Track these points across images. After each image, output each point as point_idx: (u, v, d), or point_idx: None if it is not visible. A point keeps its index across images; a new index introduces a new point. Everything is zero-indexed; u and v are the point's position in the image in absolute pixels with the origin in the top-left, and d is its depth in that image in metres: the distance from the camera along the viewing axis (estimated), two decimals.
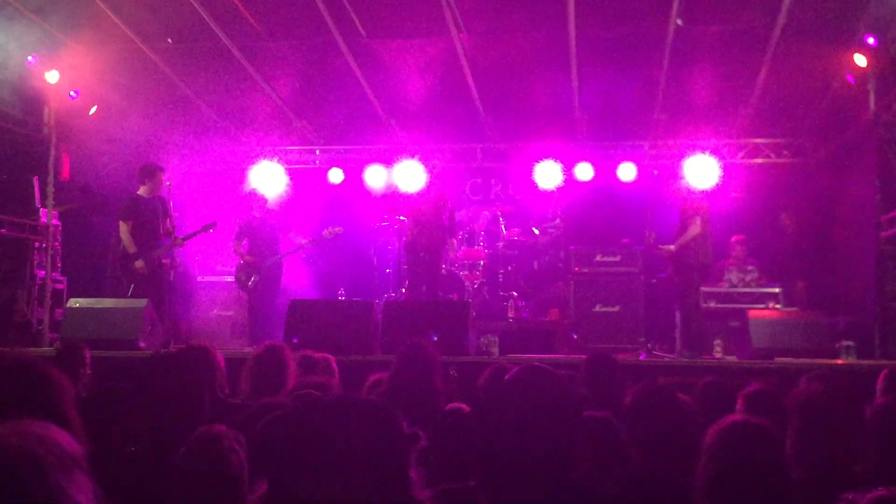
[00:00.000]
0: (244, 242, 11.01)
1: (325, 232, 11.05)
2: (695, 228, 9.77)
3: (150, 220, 9.83)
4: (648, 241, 10.40)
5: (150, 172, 9.99)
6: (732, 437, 2.55)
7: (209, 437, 2.78)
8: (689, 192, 10.15)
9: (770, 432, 2.65)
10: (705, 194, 10.34)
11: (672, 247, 9.92)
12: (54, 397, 2.37)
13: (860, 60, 9.62)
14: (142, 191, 9.92)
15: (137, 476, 3.00)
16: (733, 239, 11.51)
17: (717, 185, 11.22)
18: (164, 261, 9.87)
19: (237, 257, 11.07)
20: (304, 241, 11.04)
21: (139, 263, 9.64)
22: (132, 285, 9.69)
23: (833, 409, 3.19)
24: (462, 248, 11.57)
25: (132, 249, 9.67)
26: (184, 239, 10.01)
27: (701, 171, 11.14)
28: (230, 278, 11.45)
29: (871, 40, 9.33)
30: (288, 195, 12.97)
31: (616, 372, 5.19)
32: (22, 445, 1.39)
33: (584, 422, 2.68)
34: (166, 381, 3.32)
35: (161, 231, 9.88)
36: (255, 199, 11.14)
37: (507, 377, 2.48)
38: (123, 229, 9.73)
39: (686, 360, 9.06)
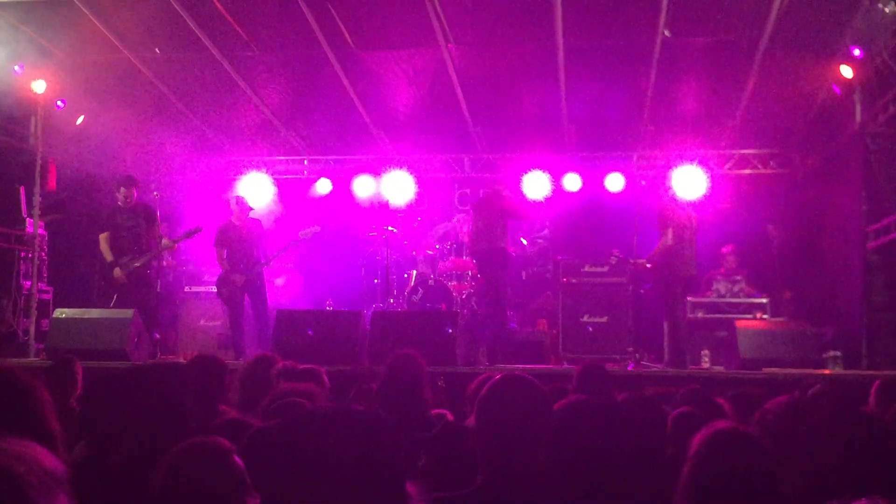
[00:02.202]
0: (224, 253, 10.73)
1: (301, 233, 10.83)
2: (665, 240, 9.57)
3: (128, 229, 9.86)
4: (612, 261, 10.41)
5: (121, 182, 10.03)
6: (718, 444, 2.54)
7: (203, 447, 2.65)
8: (666, 202, 9.94)
9: (757, 441, 2.64)
10: (690, 205, 10.29)
11: (644, 260, 9.84)
12: (37, 411, 2.34)
13: (846, 72, 9.65)
14: (119, 200, 9.96)
15: (120, 488, 2.96)
16: (724, 250, 11.54)
17: (705, 195, 11.27)
18: (147, 271, 9.84)
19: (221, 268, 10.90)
20: (278, 251, 10.86)
21: (116, 272, 9.77)
22: (115, 295, 9.70)
23: (839, 422, 3.14)
24: (450, 258, 11.57)
25: (109, 258, 9.85)
26: (169, 243, 10.10)
27: (688, 182, 11.20)
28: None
29: (856, 51, 9.37)
30: (276, 206, 12.93)
31: (608, 382, 5.19)
32: (1, 464, 1.35)
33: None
34: (150, 393, 3.27)
35: (143, 239, 9.86)
36: (239, 205, 10.66)
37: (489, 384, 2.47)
38: (101, 240, 9.95)
39: (673, 370, 9.05)
